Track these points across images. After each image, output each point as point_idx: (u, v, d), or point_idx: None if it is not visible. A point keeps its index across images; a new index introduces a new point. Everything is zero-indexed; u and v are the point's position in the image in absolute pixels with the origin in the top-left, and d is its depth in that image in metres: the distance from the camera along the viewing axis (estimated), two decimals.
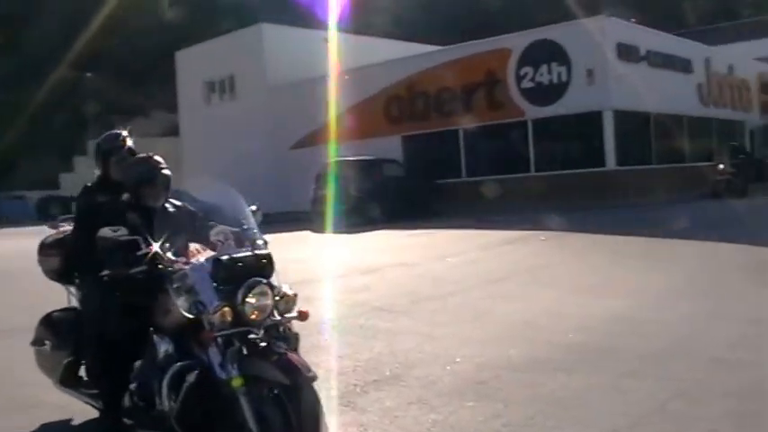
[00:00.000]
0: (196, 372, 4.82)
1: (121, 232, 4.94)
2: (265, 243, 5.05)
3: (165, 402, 4.90)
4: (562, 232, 18.47)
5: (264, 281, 4.77)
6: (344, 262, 15.19)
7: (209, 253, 5.08)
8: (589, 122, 28.96)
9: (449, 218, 25.39)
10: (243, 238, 5.09)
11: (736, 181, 29.79)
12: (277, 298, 4.80)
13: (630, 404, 6.33)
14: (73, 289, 6.32)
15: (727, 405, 6.30)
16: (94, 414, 6.07)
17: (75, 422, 6.42)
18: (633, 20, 33.60)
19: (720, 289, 11.55)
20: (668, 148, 32.57)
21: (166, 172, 5.56)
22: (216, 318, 4.63)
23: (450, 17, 61.13)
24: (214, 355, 4.69)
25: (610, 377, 7.11)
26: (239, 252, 4.92)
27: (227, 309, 4.63)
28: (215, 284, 4.75)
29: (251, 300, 4.69)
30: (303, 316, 4.87)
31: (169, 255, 4.98)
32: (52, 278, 6.43)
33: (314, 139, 35.44)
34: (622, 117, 29.16)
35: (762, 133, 41.45)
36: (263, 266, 4.89)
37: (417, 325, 9.56)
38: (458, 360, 7.81)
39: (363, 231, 22.08)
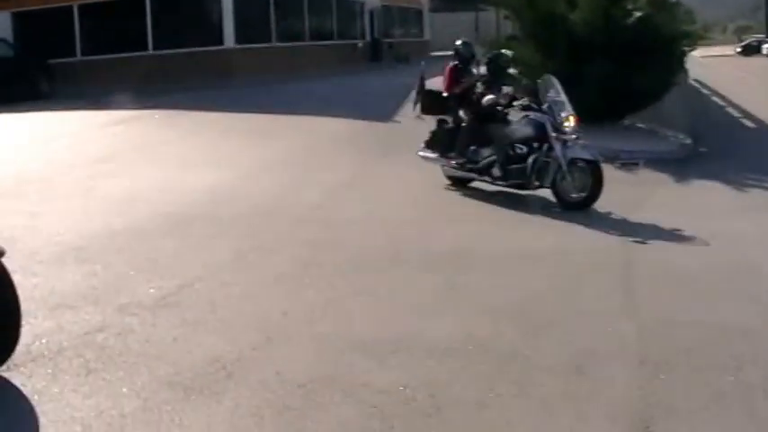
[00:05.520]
0: None
1: None
2: None
3: None
4: (177, 111, 19.25)
5: None
6: None
7: None
8: (209, 0, 29.67)
9: (62, 99, 25.24)
10: None
11: None
12: None
13: (214, 257, 7.57)
14: None
15: (299, 253, 7.73)
16: None
17: None
18: None
19: (314, 160, 13.15)
20: (288, 28, 34.11)
21: None
22: None
23: None
24: None
25: (199, 239, 8.31)
26: None
27: None
28: None
29: None
30: None
31: None
32: None
33: None
34: None
35: (380, 14, 44.29)
36: None
37: (23, 204, 10.09)
38: (61, 233, 8.57)
39: None
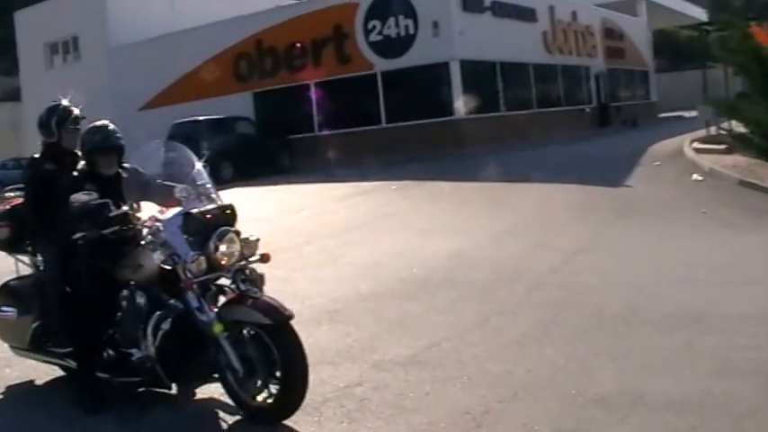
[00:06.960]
0: (169, 319, 5.55)
1: (93, 196, 5.66)
2: (218, 195, 5.85)
3: (151, 348, 5.56)
4: (412, 181, 20.16)
5: (232, 229, 5.62)
6: None
7: (172, 211, 5.72)
8: (437, 73, 30.76)
9: (303, 173, 26.75)
10: (200, 193, 5.78)
11: None
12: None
13: (458, 319, 8.02)
14: (24, 257, 6.82)
15: (540, 315, 8.06)
16: (56, 374, 6.91)
17: (39, 382, 7.07)
18: None
19: (548, 226, 13.45)
20: (516, 96, 34.73)
21: (121, 141, 6.24)
22: (194, 266, 5.38)
23: None
24: (192, 300, 5.44)
25: (442, 302, 8.79)
26: (205, 205, 5.67)
27: (202, 257, 5.40)
28: (185, 236, 5.49)
29: (222, 247, 5.47)
30: (265, 258, 5.79)
31: (138, 215, 5.82)
32: (0, 249, 6.90)
33: (163, 99, 36.03)
34: (469, 67, 31.05)
35: (606, 78, 44.16)
36: (228, 216, 5.74)
37: (276, 271, 10.86)
38: (313, 296, 9.30)
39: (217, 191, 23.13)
